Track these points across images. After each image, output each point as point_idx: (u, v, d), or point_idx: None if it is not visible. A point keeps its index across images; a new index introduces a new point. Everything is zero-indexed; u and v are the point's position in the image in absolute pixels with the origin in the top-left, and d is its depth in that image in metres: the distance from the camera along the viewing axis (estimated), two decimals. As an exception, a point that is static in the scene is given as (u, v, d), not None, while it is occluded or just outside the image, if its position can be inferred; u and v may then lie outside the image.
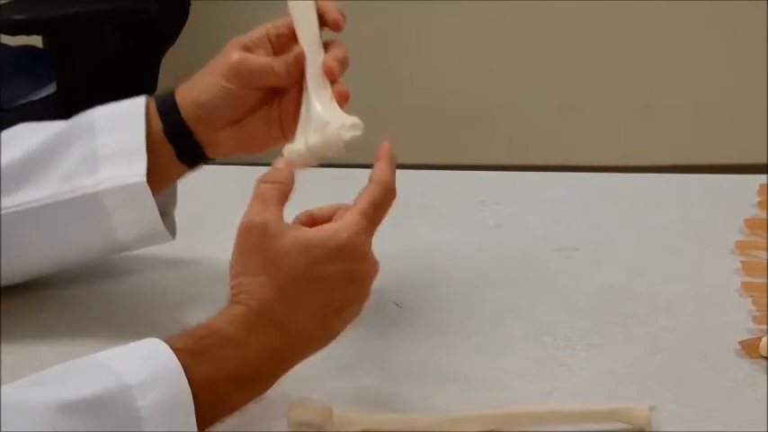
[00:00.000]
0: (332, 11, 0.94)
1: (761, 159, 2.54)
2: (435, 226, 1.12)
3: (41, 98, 2.08)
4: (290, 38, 0.94)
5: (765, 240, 1.06)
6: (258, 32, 0.95)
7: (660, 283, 1.02)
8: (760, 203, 1.12)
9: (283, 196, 0.83)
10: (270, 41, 0.95)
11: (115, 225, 0.94)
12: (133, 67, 2.23)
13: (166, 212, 0.98)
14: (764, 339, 0.91)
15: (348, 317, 0.83)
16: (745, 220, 1.10)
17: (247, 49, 0.94)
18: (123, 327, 0.95)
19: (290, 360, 0.82)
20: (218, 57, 0.95)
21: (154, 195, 0.94)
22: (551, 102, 2.80)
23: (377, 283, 0.86)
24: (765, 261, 1.03)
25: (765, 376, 0.89)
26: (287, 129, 0.94)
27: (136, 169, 0.93)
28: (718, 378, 0.90)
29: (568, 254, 1.07)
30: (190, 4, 2.27)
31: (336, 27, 0.93)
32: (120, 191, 0.93)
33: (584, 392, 0.86)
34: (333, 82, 0.92)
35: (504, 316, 0.97)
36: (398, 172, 1.18)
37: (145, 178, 0.92)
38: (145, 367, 0.76)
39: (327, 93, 0.92)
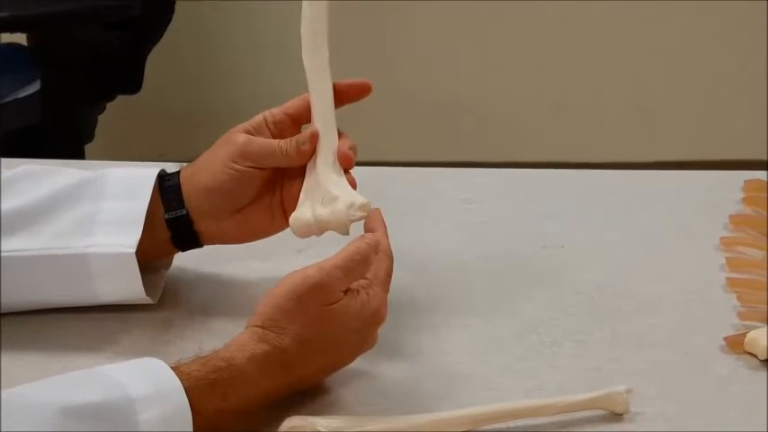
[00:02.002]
0: (349, 94, 0.95)
1: (745, 155, 2.54)
2: (422, 223, 1.12)
3: (26, 96, 2.07)
4: (289, 125, 0.95)
5: (750, 237, 1.06)
6: (257, 119, 0.96)
7: (645, 279, 1.02)
8: (745, 200, 1.13)
9: (359, 275, 0.87)
10: (268, 128, 0.95)
11: (97, 288, 0.94)
12: (118, 66, 2.23)
13: (158, 270, 0.98)
14: (749, 335, 0.91)
15: (333, 369, 0.88)
16: (730, 217, 1.10)
17: (249, 133, 0.95)
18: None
19: (277, 398, 0.84)
20: (221, 143, 0.95)
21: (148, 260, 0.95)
22: (539, 99, 2.80)
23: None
24: (750, 257, 1.04)
25: (749, 372, 0.90)
26: (290, 213, 0.95)
27: (128, 240, 0.92)
28: (703, 374, 0.90)
29: (555, 251, 1.07)
30: (174, 2, 2.27)
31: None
32: (108, 258, 0.93)
33: (569, 389, 0.86)
34: (346, 170, 0.93)
35: (490, 313, 0.98)
36: (386, 169, 1.19)
37: (134, 250, 0.92)
38: (149, 383, 0.77)
39: (339, 170, 0.93)
